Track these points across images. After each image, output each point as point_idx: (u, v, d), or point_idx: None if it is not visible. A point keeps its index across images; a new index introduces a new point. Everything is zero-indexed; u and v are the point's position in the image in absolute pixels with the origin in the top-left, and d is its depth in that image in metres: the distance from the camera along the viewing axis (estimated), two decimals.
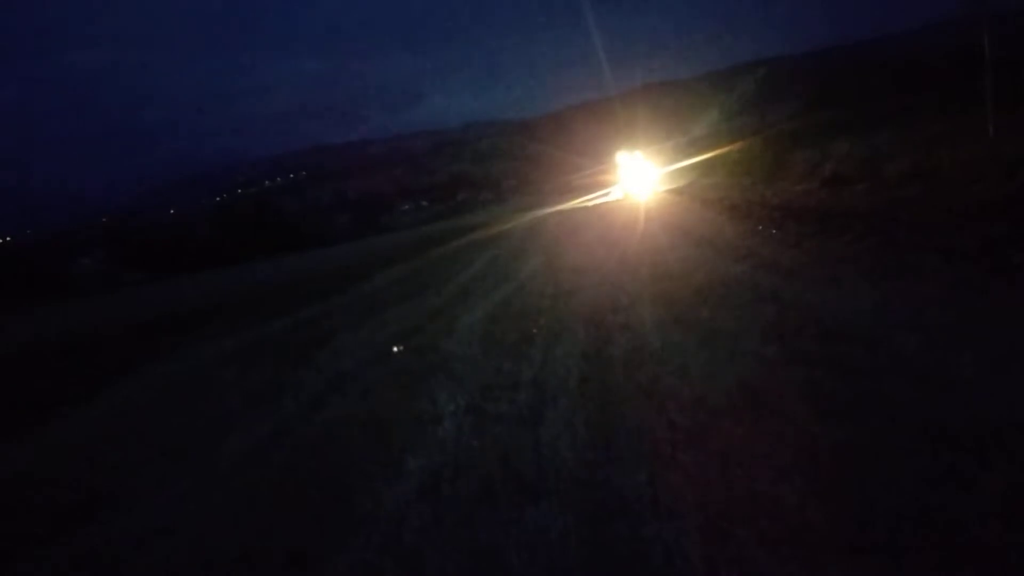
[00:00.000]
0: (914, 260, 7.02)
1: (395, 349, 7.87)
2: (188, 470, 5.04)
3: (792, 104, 53.99)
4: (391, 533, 3.35)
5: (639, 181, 32.48)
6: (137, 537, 3.98)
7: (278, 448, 5.21)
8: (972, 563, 2.35)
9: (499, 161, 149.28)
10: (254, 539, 3.69)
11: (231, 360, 9.78)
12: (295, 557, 3.39)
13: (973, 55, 13.38)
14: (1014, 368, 3.81)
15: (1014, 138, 12.19)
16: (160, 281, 47.87)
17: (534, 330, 7.28)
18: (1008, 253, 6.34)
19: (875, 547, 2.53)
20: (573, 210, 34.49)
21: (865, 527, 2.64)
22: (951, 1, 13.47)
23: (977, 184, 12.02)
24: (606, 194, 41.03)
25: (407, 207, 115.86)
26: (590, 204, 36.96)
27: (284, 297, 17.42)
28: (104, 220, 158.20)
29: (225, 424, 6.13)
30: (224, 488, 4.55)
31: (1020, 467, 2.82)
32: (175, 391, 8.52)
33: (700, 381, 4.66)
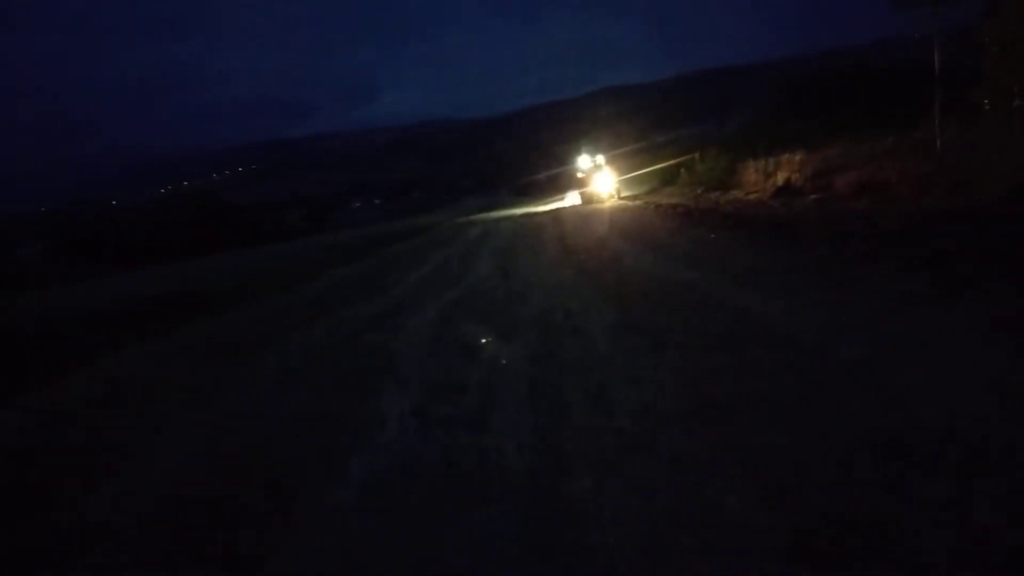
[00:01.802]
0: (862, 270, 7.11)
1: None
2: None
3: (748, 112, 54.98)
4: None
5: (596, 186, 32.24)
6: None
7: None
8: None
9: (455, 160, 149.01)
10: None
11: (151, 362, 9.28)
12: None
13: (924, 70, 13.58)
14: (955, 377, 3.86)
15: (960, 153, 12.39)
16: (96, 276, 45.92)
17: (482, 339, 7.00)
18: (953, 265, 6.45)
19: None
20: (528, 214, 33.74)
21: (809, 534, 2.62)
22: (905, 17, 13.72)
23: (925, 197, 12.21)
24: (562, 198, 40.74)
25: (359, 204, 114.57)
26: (545, 208, 36.26)
27: (220, 296, 16.75)
28: (43, 210, 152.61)
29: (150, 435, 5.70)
30: None
31: (958, 474, 2.87)
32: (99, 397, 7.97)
33: (653, 393, 4.48)
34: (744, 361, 4.78)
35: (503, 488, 3.50)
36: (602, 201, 30.88)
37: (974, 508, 2.59)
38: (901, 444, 3.18)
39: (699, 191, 27.02)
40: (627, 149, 45.76)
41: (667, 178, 35.01)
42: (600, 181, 32.28)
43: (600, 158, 33.95)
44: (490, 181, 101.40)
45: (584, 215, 24.40)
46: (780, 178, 20.07)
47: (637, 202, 27.24)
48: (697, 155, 31.71)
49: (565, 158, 48.28)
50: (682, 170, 32.79)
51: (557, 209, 32.15)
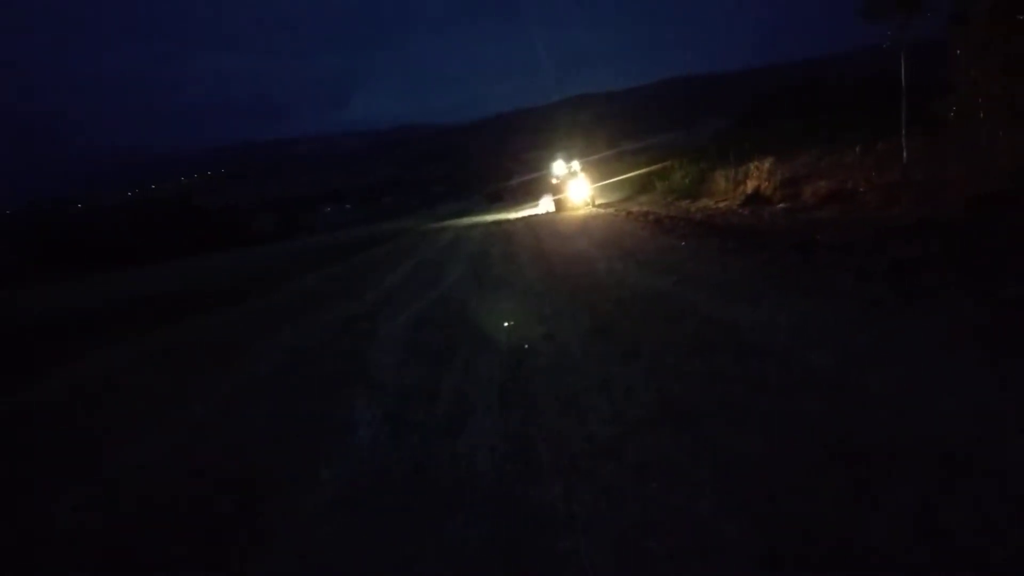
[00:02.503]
0: (828, 279, 7.13)
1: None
2: None
3: (718, 121, 55.55)
4: None
5: (571, 193, 31.89)
6: None
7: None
8: None
9: (428, 166, 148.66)
10: None
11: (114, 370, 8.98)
12: None
13: (893, 81, 13.73)
14: (917, 384, 3.90)
15: (926, 163, 12.54)
16: (62, 280, 44.73)
17: (447, 348, 6.86)
18: (917, 275, 6.50)
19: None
20: (501, 221, 32.91)
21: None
22: (874, 29, 13.94)
23: (891, 207, 12.32)
24: (536, 205, 40.34)
25: (330, 209, 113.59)
26: (518, 215, 35.91)
27: (180, 304, 16.39)
28: (8, 212, 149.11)
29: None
30: None
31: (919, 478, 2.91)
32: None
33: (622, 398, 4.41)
34: (713, 368, 4.80)
35: (472, 490, 3.51)
36: (576, 208, 30.56)
37: (937, 511, 2.63)
38: (864, 449, 3.21)
39: (671, 199, 27.16)
40: (599, 156, 45.75)
41: (640, 186, 34.94)
42: (575, 188, 31.97)
43: (575, 164, 33.58)
44: (463, 187, 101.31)
45: (558, 223, 24.36)
46: (749, 187, 20.22)
47: (610, 210, 27.23)
48: (670, 163, 31.87)
49: (538, 164, 48.30)
50: (654, 178, 32.89)
51: (530, 217, 31.71)
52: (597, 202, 31.82)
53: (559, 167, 33.84)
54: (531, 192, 51.24)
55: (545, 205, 36.04)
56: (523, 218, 31.11)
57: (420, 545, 3.08)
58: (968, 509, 2.61)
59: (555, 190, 33.14)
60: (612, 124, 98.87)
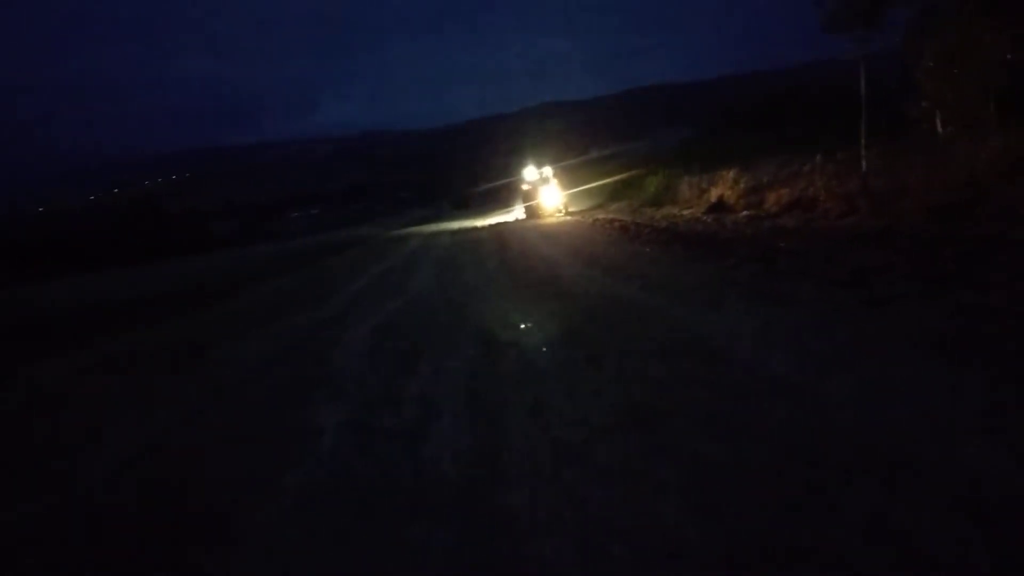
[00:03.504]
0: (790, 286, 7.22)
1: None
2: None
3: (685, 130, 56.13)
4: None
5: (542, 200, 30.90)
6: None
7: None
8: None
9: (396, 172, 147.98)
10: None
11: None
12: None
13: (852, 92, 13.99)
14: (875, 388, 3.97)
15: (885, 173, 12.79)
16: (16, 285, 43.42)
17: (413, 356, 6.77)
18: (877, 283, 6.60)
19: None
20: (469, 228, 32.03)
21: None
22: (835, 40, 14.24)
23: (850, 216, 12.56)
24: (507, 211, 39.71)
25: (297, 215, 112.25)
26: (487, 222, 34.41)
27: (140, 309, 16.04)
28: None
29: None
30: None
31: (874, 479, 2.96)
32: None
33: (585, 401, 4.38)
34: (677, 373, 4.82)
35: (438, 491, 3.53)
36: (549, 216, 29.83)
37: (889, 512, 2.66)
38: (821, 452, 3.26)
39: (638, 206, 27.39)
40: (568, 163, 45.64)
41: (609, 194, 34.87)
42: (547, 195, 31.18)
43: (547, 170, 32.60)
44: (431, 193, 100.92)
45: (524, 230, 24.32)
46: (714, 195, 20.47)
47: (579, 217, 27.29)
48: (637, 173, 32.01)
49: (507, 171, 48.12)
50: (622, 186, 33.03)
51: (500, 224, 30.56)
52: (572, 210, 31.35)
53: (532, 172, 32.76)
54: (500, 199, 51.00)
55: (516, 212, 35.21)
56: (492, 226, 30.16)
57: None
58: (919, 510, 2.65)
59: (526, 197, 32.36)
60: (580, 132, 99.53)
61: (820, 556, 2.47)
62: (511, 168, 41.82)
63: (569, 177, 36.90)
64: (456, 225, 37.52)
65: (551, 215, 29.85)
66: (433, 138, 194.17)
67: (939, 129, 11.50)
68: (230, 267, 30.72)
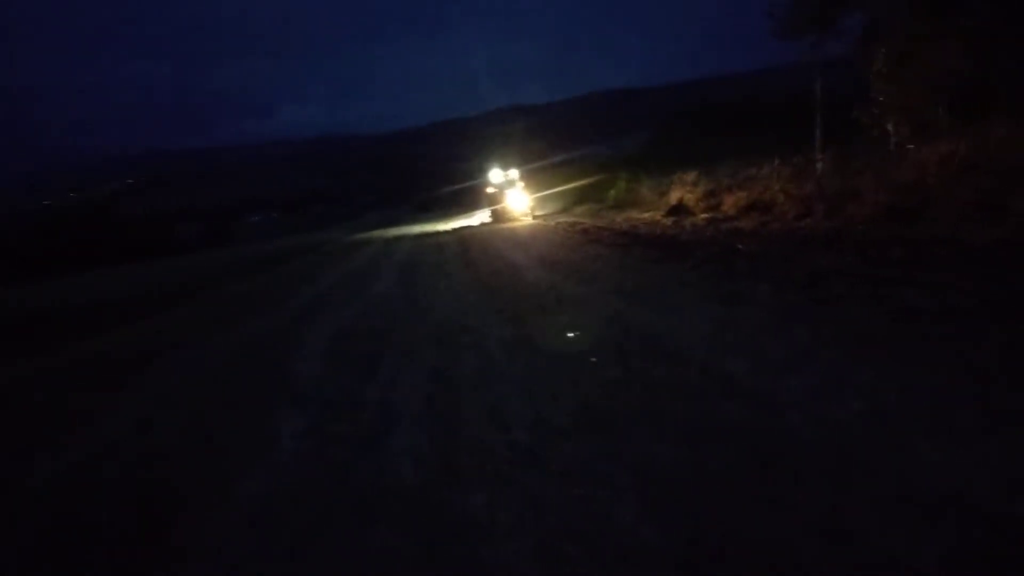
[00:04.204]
0: (747, 288, 7.29)
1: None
2: None
3: (646, 134, 56.57)
4: None
5: (509, 203, 29.90)
6: None
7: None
8: None
9: (357, 175, 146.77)
10: None
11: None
12: None
13: (808, 97, 14.27)
14: (824, 389, 4.02)
15: (839, 176, 13.07)
16: None
17: (373, 357, 6.70)
18: (828, 285, 6.72)
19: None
20: (432, 233, 30.50)
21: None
22: (790, 47, 14.56)
23: (805, 218, 12.80)
24: (467, 215, 39.10)
25: (257, 219, 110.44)
26: (450, 226, 33.12)
27: (94, 315, 15.65)
28: None
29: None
30: None
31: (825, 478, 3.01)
32: None
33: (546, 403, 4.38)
34: (634, 374, 4.85)
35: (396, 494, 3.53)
36: (516, 220, 28.65)
37: (844, 515, 2.69)
38: (774, 451, 3.31)
39: (599, 209, 27.54)
40: (530, 168, 45.39)
41: (573, 197, 34.41)
42: (513, 198, 30.16)
43: (513, 172, 31.64)
44: (392, 197, 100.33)
45: (485, 233, 24.22)
46: (674, 198, 20.67)
47: (535, 220, 27.32)
48: (600, 178, 31.96)
49: (469, 174, 47.78)
50: (585, 191, 32.97)
51: (464, 229, 29.13)
52: (539, 213, 30.47)
53: (497, 175, 31.56)
54: (462, 202, 50.80)
55: (481, 216, 33.95)
56: (456, 230, 29.09)
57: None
58: (866, 505, 2.71)
59: (492, 200, 31.21)
60: (542, 136, 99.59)
61: (771, 554, 2.51)
62: (473, 172, 41.46)
63: (531, 181, 36.16)
64: (418, 229, 36.74)
65: (518, 219, 28.84)
66: (393, 142, 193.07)
67: (891, 133, 11.78)
68: (185, 273, 29.98)
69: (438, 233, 29.39)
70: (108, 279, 33.92)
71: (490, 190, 31.74)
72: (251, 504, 3.68)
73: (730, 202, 16.59)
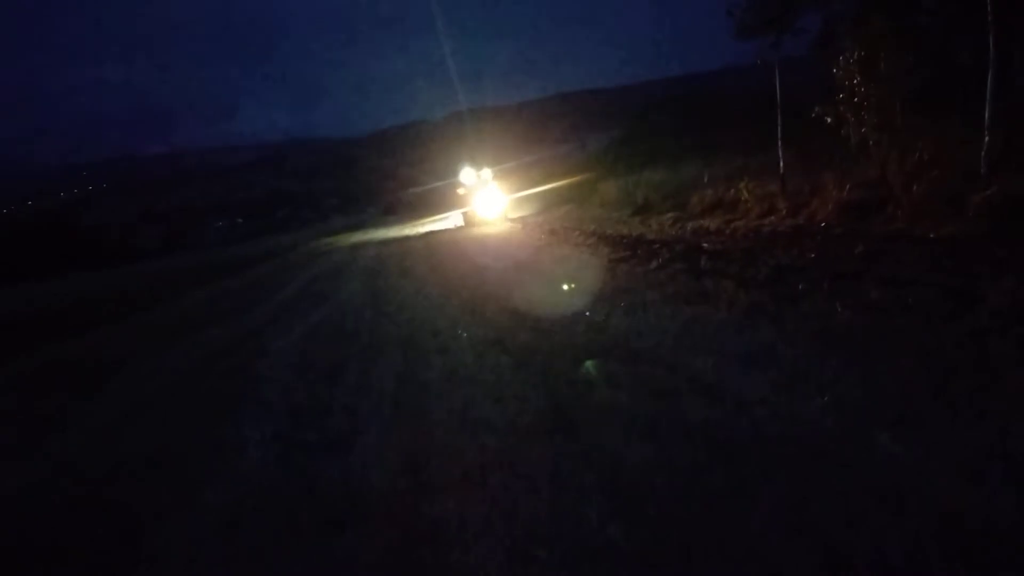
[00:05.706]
0: (712, 286, 7.32)
1: None
2: None
3: (610, 134, 56.91)
4: None
5: (483, 205, 28.19)
6: None
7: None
8: None
9: (320, 179, 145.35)
10: None
11: None
12: None
13: (768, 96, 14.44)
14: (788, 385, 4.04)
15: (801, 174, 13.25)
16: None
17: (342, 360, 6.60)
18: (793, 281, 6.78)
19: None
20: (400, 238, 28.11)
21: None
22: (750, 46, 14.82)
23: (769, 216, 12.94)
24: (433, 218, 38.33)
25: (221, 223, 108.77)
26: (416, 230, 32.51)
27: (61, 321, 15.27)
28: None
29: None
30: None
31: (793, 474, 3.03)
32: None
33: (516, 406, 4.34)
34: (601, 373, 4.88)
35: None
36: (490, 223, 26.48)
37: (808, 509, 2.71)
38: (743, 449, 3.32)
39: (570, 210, 27.59)
40: (494, 169, 44.84)
41: (542, 199, 33.34)
42: (487, 200, 28.34)
43: (487, 172, 29.90)
44: (356, 200, 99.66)
45: (451, 236, 24.04)
46: (640, 197, 20.81)
47: (501, 222, 26.76)
48: (570, 179, 31.76)
49: (433, 176, 47.51)
50: (548, 190, 32.90)
51: (434, 234, 26.76)
52: (490, 213, 28.29)
53: (470, 175, 29.70)
54: (428, 205, 50.50)
55: (453, 219, 32.55)
56: (424, 235, 27.34)
57: None
58: (834, 499, 2.74)
59: (464, 202, 29.32)
60: (507, 137, 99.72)
61: (740, 553, 2.52)
62: (439, 173, 41.12)
63: (503, 182, 34.04)
64: (382, 235, 35.10)
65: (494, 222, 26.59)
66: (356, 145, 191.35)
67: (852, 132, 11.94)
68: (143, 282, 29.30)
69: (406, 239, 26.98)
70: (57, 289, 33.06)
71: (461, 191, 30.11)
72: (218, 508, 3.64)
73: (696, 200, 16.72)
